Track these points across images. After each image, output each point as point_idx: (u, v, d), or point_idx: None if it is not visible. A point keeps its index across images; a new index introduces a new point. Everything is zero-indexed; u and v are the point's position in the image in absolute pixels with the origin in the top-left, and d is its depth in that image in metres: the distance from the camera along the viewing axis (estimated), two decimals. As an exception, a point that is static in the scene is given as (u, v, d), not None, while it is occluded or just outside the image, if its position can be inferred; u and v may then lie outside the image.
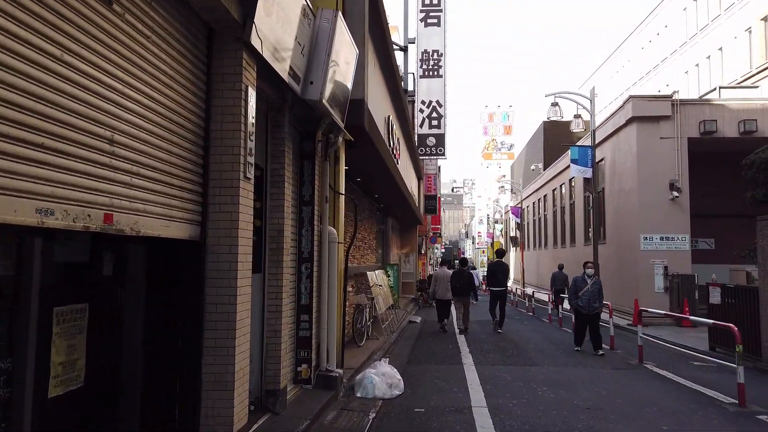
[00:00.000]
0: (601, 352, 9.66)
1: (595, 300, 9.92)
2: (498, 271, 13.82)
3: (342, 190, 6.61)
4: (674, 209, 15.27)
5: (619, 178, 16.91)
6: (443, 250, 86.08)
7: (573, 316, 10.22)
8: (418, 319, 16.20)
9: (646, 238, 15.30)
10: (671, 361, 9.31)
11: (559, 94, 16.53)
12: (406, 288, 24.16)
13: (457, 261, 18.70)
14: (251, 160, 3.82)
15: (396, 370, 6.60)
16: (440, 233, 57.55)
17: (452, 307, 13.87)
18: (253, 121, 3.87)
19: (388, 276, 16.02)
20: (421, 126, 24.64)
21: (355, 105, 6.31)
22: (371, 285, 11.37)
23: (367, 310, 10.89)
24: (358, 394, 6.08)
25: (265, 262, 4.83)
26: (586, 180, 16.19)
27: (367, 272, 11.71)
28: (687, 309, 14.40)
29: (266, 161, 4.88)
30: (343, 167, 6.66)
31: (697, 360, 9.49)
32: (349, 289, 10.63)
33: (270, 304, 4.81)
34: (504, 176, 47.32)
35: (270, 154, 4.89)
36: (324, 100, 5.00)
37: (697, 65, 26.58)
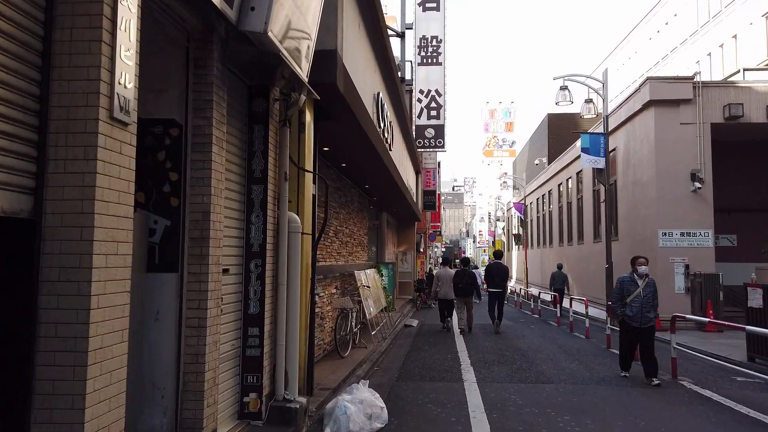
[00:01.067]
0: (656, 381, 7.10)
1: (649, 308, 7.36)
2: (496, 272, 13.53)
3: (310, 166, 5.20)
4: (696, 202, 13.86)
5: (634, 168, 15.50)
6: (444, 249, 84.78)
7: (618, 329, 7.94)
8: (415, 323, 14.81)
9: (665, 233, 13.89)
10: (709, 376, 7.89)
11: (568, 77, 15.12)
12: (403, 288, 22.77)
13: (458, 260, 17.83)
14: (129, 92, 2.43)
15: (377, 396, 5.19)
16: (440, 231, 56.21)
17: (454, 308, 13.67)
18: (133, 27, 2.47)
19: (382, 276, 14.63)
20: (419, 117, 23.24)
21: (323, 57, 4.91)
22: (359, 286, 9.97)
23: (354, 314, 9.50)
24: (328, 430, 4.69)
25: (183, 256, 3.43)
26: (597, 171, 14.81)
27: (356, 272, 10.31)
28: (711, 312, 13.01)
29: (186, 116, 3.49)
30: (311, 137, 5.26)
31: (738, 374, 8.08)
32: (333, 290, 9.24)
33: (190, 317, 3.42)
34: (506, 173, 45.92)
35: (191, 107, 3.49)
36: (272, 35, 3.60)
37: (720, 46, 25.11)
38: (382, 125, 9.63)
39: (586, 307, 12.44)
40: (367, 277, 11.41)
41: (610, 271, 14.41)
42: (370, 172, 10.34)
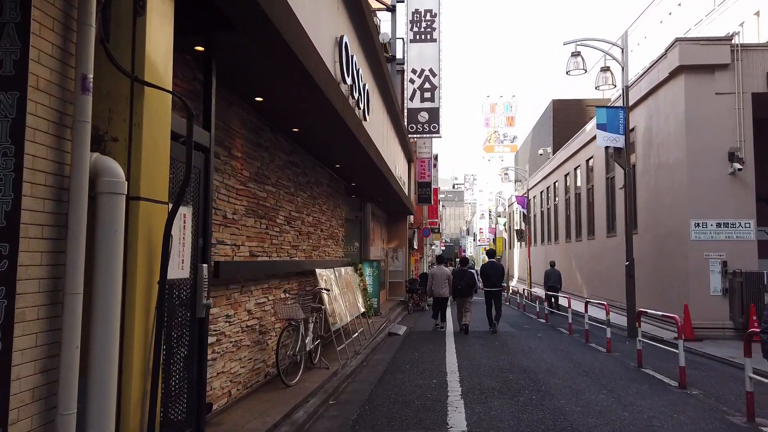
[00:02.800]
0: None
1: None
2: (491, 271, 13.18)
3: (163, 79, 2.95)
4: (735, 186, 11.63)
5: (658, 149, 13.25)
6: (443, 248, 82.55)
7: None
8: (402, 330, 12.58)
9: (698, 224, 11.65)
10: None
11: (581, 41, 12.87)
12: (394, 289, 20.57)
13: (458, 260, 16.76)
14: None
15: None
16: (438, 229, 53.99)
17: (448, 309, 13.65)
18: None
19: (362, 275, 12.41)
20: (411, 99, 21.00)
21: None
22: (319, 290, 7.75)
23: (312, 325, 7.28)
24: None
25: None
26: (615, 151, 12.55)
27: (318, 270, 8.10)
28: (754, 317, 10.78)
29: None
30: (166, 32, 3.01)
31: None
32: (282, 295, 7.01)
33: None
34: (507, 168, 43.70)
35: None
36: None
37: (756, 14, 22.83)
38: (349, 82, 7.42)
39: (608, 314, 10.20)
40: (337, 277, 9.20)
41: (632, 269, 12.18)
42: (336, 145, 8.12)
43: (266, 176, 6.56)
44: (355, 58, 7.99)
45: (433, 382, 6.95)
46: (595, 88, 13.18)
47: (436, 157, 38.90)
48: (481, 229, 73.71)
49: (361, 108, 8.58)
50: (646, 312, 8.90)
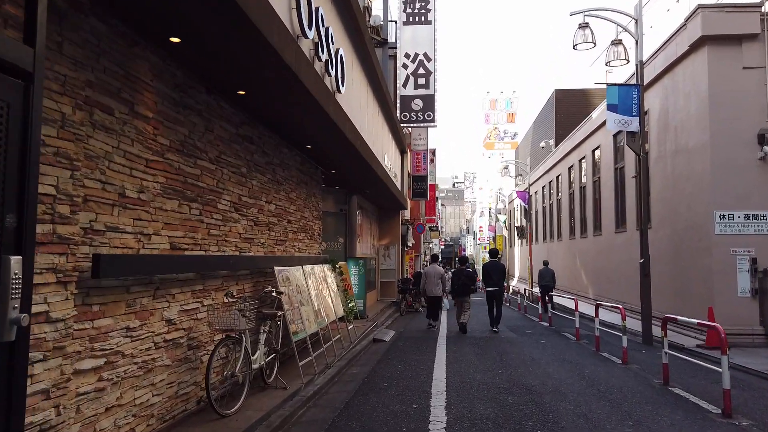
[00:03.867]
0: None
1: None
2: (492, 271, 12.72)
3: None
4: (765, 173, 10.24)
5: (676, 133, 11.86)
6: (443, 247, 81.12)
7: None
8: (389, 336, 11.21)
9: (723, 216, 10.27)
10: None
11: (590, 12, 11.46)
12: (385, 289, 19.19)
13: (458, 259, 16.59)
14: None
15: None
16: (437, 227, 52.64)
17: (444, 312, 13.65)
18: None
19: (343, 274, 11.05)
20: (404, 85, 19.58)
21: None
22: (274, 293, 6.37)
23: (264, 337, 5.90)
24: None
25: None
26: (628, 135, 11.15)
27: (277, 269, 6.71)
28: (789, 323, 9.42)
29: None
30: None
31: None
32: (226, 300, 5.62)
33: None
34: (507, 162, 42.37)
35: None
36: None
37: None
38: (312, 36, 6.04)
39: (623, 319, 8.79)
40: (308, 276, 7.83)
41: (647, 267, 10.79)
42: (300, 117, 6.74)
43: (199, 149, 5.16)
44: (323, 12, 6.60)
45: (412, 408, 5.56)
46: (606, 64, 11.77)
47: (433, 152, 37.50)
48: (480, 227, 72.36)
49: (333, 75, 7.20)
50: (676, 319, 7.42)
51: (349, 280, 12.95)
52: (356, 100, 9.72)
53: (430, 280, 12.90)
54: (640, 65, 11.15)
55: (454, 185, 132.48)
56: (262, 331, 5.96)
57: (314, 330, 7.52)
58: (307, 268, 8.13)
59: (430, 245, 44.92)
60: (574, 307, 11.99)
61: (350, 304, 10.51)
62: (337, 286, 10.21)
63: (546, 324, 14.23)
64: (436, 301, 13.00)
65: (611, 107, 11.22)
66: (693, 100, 10.99)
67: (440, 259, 16.12)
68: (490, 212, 61.77)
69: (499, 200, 49.60)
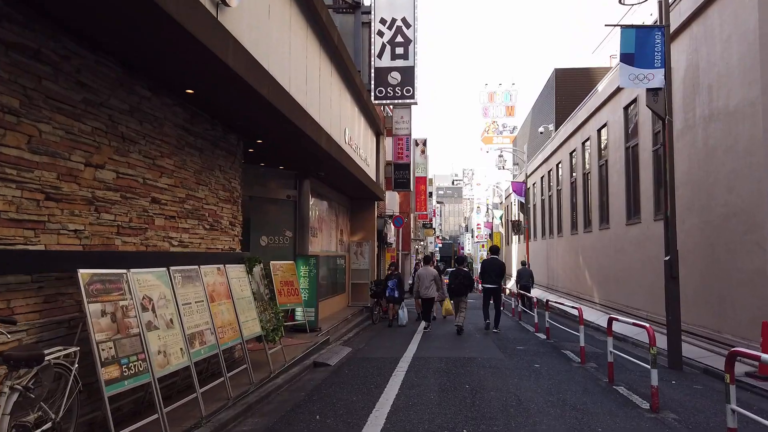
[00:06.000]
0: None
1: None
2: (491, 268, 12.52)
3: None
4: (838, 140, 7.56)
5: (710, 94, 9.18)
6: (440, 245, 78.54)
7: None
8: (335, 359, 8.59)
9: (781, 199, 7.59)
10: None
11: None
12: (357, 293, 16.53)
13: (455, 259, 15.58)
14: None
15: None
16: (431, 224, 49.92)
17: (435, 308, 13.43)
18: None
19: (268, 278, 8.43)
20: (380, 56, 16.84)
21: None
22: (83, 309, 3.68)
23: (5, 399, 3.19)
24: None
25: None
26: (650, 94, 8.47)
27: (81, 272, 4.04)
28: None
29: None
30: None
31: None
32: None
33: None
34: (503, 151, 39.74)
35: None
36: None
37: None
38: None
39: (652, 339, 6.01)
40: (172, 283, 5.18)
41: (674, 267, 8.14)
42: (146, 40, 4.09)
43: None
44: None
45: None
46: (619, 2, 9.06)
47: (424, 142, 34.84)
48: (478, 224, 69.74)
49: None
50: (758, 357, 4.45)
51: (297, 284, 10.37)
52: (282, 43, 7.05)
53: (423, 283, 12.55)
54: (665, 2, 8.46)
55: (453, 182, 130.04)
56: (25, 380, 3.30)
57: (181, 365, 4.87)
58: (202, 270, 5.50)
59: (422, 243, 42.24)
60: (577, 314, 9.31)
61: (279, 316, 7.84)
62: (259, 293, 7.56)
63: (543, 336, 11.57)
64: (430, 303, 12.75)
65: (626, 58, 8.54)
66: (735, 46, 8.31)
67: (437, 259, 15.71)
68: (487, 208, 59.13)
69: (495, 195, 46.97)
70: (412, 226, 36.16)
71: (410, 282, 16.37)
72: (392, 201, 24.03)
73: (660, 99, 8.34)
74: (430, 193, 46.98)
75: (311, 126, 8.03)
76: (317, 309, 10.79)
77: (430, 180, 48.03)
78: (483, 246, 62.03)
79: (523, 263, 19.13)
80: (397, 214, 24.05)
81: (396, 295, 13.54)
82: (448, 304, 13.29)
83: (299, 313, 10.60)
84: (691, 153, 9.80)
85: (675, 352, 8.18)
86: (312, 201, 12.22)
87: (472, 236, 78.25)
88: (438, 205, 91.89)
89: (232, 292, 6.44)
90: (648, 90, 8.53)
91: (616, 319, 6.99)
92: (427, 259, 14.25)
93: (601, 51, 38.29)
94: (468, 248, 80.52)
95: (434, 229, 55.26)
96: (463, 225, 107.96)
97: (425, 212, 37.75)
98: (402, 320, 13.55)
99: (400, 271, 17.32)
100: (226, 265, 6.51)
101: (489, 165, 66.71)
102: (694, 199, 9.67)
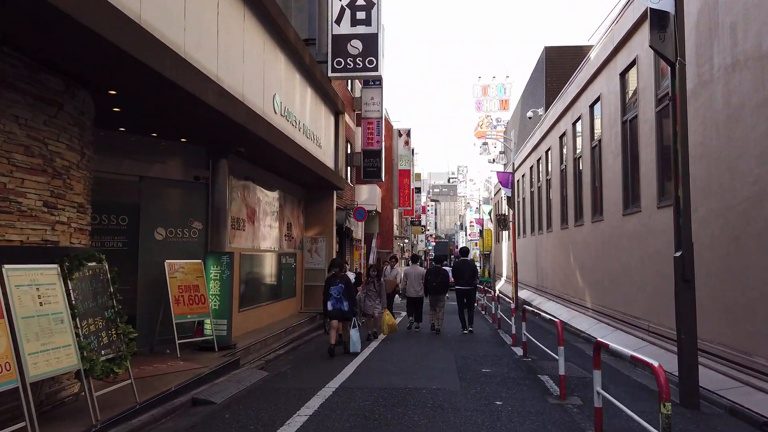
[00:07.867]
0: None
1: None
2: (464, 269, 12.31)
3: None
4: None
5: (733, 36, 6.89)
6: (434, 243, 76.24)
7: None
8: (227, 394, 6.34)
9: (841, 170, 5.30)
10: None
11: None
12: (311, 296, 14.24)
13: (433, 259, 15.74)
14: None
15: None
16: (419, 221, 47.64)
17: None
18: None
19: (113, 282, 6.15)
20: (338, 21, 14.41)
21: None
22: None
23: None
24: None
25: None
26: (654, 32, 6.17)
27: None
28: None
29: None
30: None
31: None
32: None
33: None
34: (486, 142, 37.59)
35: None
36: None
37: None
38: None
39: (663, 389, 3.69)
40: None
41: (688, 266, 5.88)
42: None
43: None
44: None
45: None
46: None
47: (408, 132, 32.53)
48: (471, 222, 67.52)
49: None
50: None
51: (203, 289, 8.16)
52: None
53: (411, 281, 12.54)
54: None
55: (449, 180, 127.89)
56: None
57: None
58: None
59: (406, 240, 39.89)
60: (567, 320, 6.99)
61: (127, 340, 5.52)
62: (91, 307, 5.27)
63: (520, 353, 9.31)
64: (419, 302, 12.64)
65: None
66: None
67: (424, 259, 14.28)
68: (479, 204, 56.93)
69: (485, 190, 44.73)
70: (396, 222, 33.86)
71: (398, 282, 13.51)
72: (373, 195, 21.71)
73: (668, 35, 6.06)
74: (418, 189, 44.66)
75: (186, 72, 5.74)
76: (230, 321, 8.49)
77: (417, 175, 45.75)
78: (476, 244, 59.77)
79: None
80: (373, 209, 21.75)
81: (345, 309, 9.39)
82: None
83: (208, 325, 8.33)
84: (706, 117, 7.52)
85: (689, 384, 5.92)
86: (236, 185, 9.93)
87: (466, 234, 76.06)
88: (433, 203, 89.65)
89: (12, 309, 4.15)
90: (653, 28, 6.25)
91: (606, 346, 4.68)
92: (415, 259, 14.22)
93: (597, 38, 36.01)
94: (462, 246, 78.44)
95: (423, 227, 52.96)
96: (458, 223, 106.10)
97: (410, 207, 35.45)
98: (355, 345, 9.28)
99: (390, 274, 13.22)
100: (5, 266, 4.21)
101: (482, 161, 64.63)
102: (711, 179, 7.39)
